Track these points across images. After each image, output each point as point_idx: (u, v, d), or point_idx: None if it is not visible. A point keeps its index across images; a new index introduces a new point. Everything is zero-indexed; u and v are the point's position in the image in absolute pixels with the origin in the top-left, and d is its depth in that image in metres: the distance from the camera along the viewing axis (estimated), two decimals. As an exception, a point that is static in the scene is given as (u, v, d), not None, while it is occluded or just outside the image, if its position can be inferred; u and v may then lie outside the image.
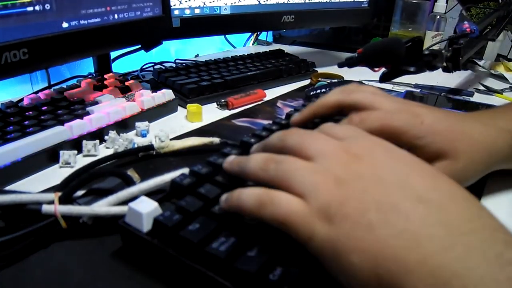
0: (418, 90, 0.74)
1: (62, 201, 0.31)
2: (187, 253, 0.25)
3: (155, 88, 0.63)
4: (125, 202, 0.30)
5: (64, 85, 0.60)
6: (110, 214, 0.30)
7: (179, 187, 0.30)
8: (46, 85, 0.70)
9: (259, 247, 0.24)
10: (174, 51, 1.04)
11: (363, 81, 0.73)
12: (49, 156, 0.42)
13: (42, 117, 0.47)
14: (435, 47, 0.70)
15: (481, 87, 0.77)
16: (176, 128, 0.53)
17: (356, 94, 0.36)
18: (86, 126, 0.46)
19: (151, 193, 0.31)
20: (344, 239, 0.21)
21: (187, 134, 0.51)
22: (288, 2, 0.81)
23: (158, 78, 0.68)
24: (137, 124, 0.51)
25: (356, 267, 0.20)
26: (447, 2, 0.94)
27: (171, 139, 0.46)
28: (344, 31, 1.12)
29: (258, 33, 1.15)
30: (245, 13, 0.76)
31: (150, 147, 0.44)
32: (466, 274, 0.18)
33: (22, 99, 0.53)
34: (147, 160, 0.44)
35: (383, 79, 0.57)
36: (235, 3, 0.74)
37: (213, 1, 0.72)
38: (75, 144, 0.44)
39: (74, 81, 0.66)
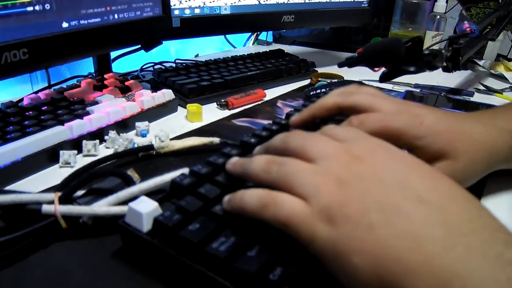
0: (418, 90, 0.74)
1: (62, 201, 0.31)
2: (187, 253, 0.25)
3: (155, 88, 0.63)
4: (125, 202, 0.30)
5: (64, 85, 0.60)
6: (110, 214, 0.30)
7: (179, 187, 0.30)
8: (46, 85, 0.70)
9: (259, 247, 0.24)
10: (174, 51, 1.04)
11: (363, 81, 0.73)
12: (49, 156, 0.42)
13: (42, 117, 0.47)
14: (435, 47, 0.70)
15: (481, 87, 0.77)
16: (176, 128, 0.53)
17: (355, 96, 0.36)
18: (86, 126, 0.46)
19: (151, 193, 0.31)
20: (345, 240, 0.21)
21: (187, 134, 0.51)
22: (288, 2, 0.81)
23: (158, 78, 0.68)
24: (137, 124, 0.51)
25: (357, 268, 0.20)
26: (447, 2, 0.94)
27: (171, 139, 0.46)
28: (344, 31, 1.12)
29: (258, 33, 1.15)
30: (245, 13, 0.76)
31: (150, 147, 0.44)
32: (467, 274, 0.18)
33: (22, 99, 0.53)
34: (147, 160, 0.44)
35: (383, 79, 0.57)
36: (235, 3, 0.74)
37: (213, 1, 0.72)
38: (75, 144, 0.44)
39: (74, 81, 0.66)
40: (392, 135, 0.33)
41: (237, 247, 0.24)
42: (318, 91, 0.62)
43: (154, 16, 0.61)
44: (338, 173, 0.24)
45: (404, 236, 0.20)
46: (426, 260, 0.19)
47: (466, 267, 0.18)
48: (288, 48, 1.00)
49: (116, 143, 0.45)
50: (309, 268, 0.23)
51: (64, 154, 0.42)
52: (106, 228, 0.31)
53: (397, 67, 0.54)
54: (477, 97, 0.71)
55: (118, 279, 0.27)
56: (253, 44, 1.16)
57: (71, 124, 0.45)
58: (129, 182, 0.33)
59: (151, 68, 0.79)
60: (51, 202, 0.30)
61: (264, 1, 0.78)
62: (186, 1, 0.69)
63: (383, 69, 0.56)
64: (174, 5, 0.67)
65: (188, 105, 0.57)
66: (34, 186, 0.38)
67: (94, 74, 0.71)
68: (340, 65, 0.57)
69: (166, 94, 0.58)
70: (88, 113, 0.49)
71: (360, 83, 0.69)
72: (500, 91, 0.74)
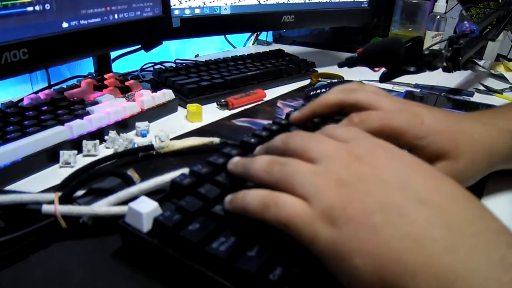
0: (418, 90, 0.74)
1: (62, 201, 0.31)
2: (187, 253, 0.25)
3: (155, 88, 0.63)
4: (125, 202, 0.30)
5: (64, 85, 0.60)
6: (110, 214, 0.30)
7: (179, 187, 0.30)
8: (46, 85, 0.70)
9: (259, 247, 0.24)
10: (174, 51, 1.04)
11: (363, 81, 0.73)
12: (49, 156, 0.42)
13: (42, 117, 0.47)
14: (435, 47, 0.70)
15: (481, 87, 0.77)
16: (176, 128, 0.53)
17: (357, 93, 0.36)
18: (86, 126, 0.46)
19: (151, 193, 0.31)
20: (347, 241, 0.21)
21: (187, 134, 0.51)
22: (288, 2, 0.81)
23: (158, 78, 0.68)
24: (137, 124, 0.51)
25: (359, 269, 0.20)
26: (447, 2, 0.94)
27: (171, 139, 0.46)
28: (344, 31, 1.12)
29: (258, 33, 1.15)
30: (245, 13, 0.76)
31: (150, 147, 0.44)
32: (470, 276, 0.18)
33: (22, 99, 0.53)
34: (147, 160, 0.44)
35: (383, 79, 0.57)
36: (235, 3, 0.74)
37: (213, 1, 0.72)
38: (75, 144, 0.44)
39: (74, 81, 0.66)
40: (393, 133, 0.33)
41: (237, 247, 0.24)
42: (318, 91, 0.62)
43: (154, 16, 0.61)
44: (339, 173, 0.24)
45: (405, 237, 0.20)
46: (427, 260, 0.19)
47: (468, 268, 0.18)
48: (288, 48, 1.00)
49: (116, 143, 0.45)
50: (309, 268, 0.23)
51: (64, 154, 0.42)
52: (106, 228, 0.31)
53: (397, 67, 0.54)
54: (477, 97, 0.71)
55: (118, 279, 0.27)
56: (253, 44, 1.16)
57: (71, 124, 0.45)
58: (129, 182, 0.33)
59: (151, 68, 0.79)
60: (51, 202, 0.30)
61: (264, 1, 0.78)
62: (186, 1, 0.68)
63: (383, 69, 0.56)
64: (174, 5, 0.67)
65: (188, 105, 0.57)
66: (34, 186, 0.38)
67: (94, 74, 0.71)
68: (340, 65, 0.57)
69: (166, 94, 0.58)
70: (88, 113, 0.49)
71: (360, 83, 0.69)
72: (500, 91, 0.74)
